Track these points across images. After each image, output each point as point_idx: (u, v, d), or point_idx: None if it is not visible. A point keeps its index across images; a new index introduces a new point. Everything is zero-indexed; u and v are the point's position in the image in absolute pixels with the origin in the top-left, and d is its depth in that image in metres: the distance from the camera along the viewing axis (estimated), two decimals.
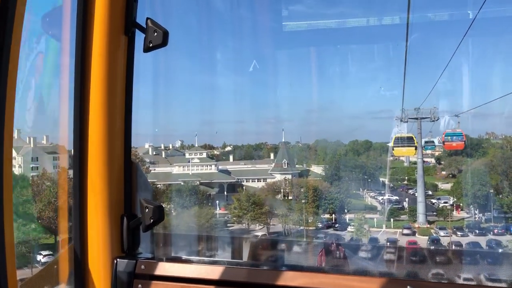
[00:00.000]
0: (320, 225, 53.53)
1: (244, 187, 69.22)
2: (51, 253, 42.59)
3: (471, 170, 58.36)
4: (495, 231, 48.87)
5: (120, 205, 2.49)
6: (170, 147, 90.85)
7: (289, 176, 72.00)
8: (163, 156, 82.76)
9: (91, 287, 2.40)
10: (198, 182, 64.53)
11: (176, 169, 68.54)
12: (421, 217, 51.75)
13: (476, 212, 55.87)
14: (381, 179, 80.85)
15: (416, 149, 49.87)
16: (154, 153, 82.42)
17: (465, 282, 2.35)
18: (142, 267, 2.44)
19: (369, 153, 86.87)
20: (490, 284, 2.67)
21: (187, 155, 73.10)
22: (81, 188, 2.39)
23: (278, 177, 71.87)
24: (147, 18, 2.45)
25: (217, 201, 60.08)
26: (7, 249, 1.67)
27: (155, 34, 2.38)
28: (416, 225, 52.35)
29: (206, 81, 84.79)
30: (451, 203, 61.33)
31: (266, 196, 64.76)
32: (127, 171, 2.52)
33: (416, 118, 51.82)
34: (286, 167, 73.09)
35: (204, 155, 72.91)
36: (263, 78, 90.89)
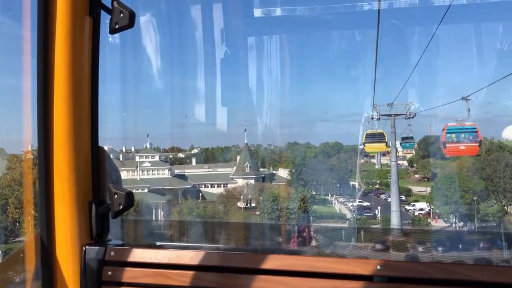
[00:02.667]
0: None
1: (200, 194, 59.07)
2: None
3: (450, 173, 49.40)
4: (481, 245, 39.93)
5: (88, 191, 2.30)
6: (132, 150, 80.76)
7: (252, 181, 62.31)
8: (120, 159, 72.07)
9: (59, 275, 2.24)
10: (146, 189, 54.05)
11: (123, 174, 57.96)
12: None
13: (455, 221, 47.10)
14: (351, 182, 72.27)
15: (387, 145, 40.24)
16: (111, 156, 72.01)
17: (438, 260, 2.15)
18: (112, 253, 2.28)
19: (340, 155, 78.43)
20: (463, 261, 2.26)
21: (136, 158, 62.49)
22: (47, 175, 2.19)
23: (240, 182, 62.12)
24: None
25: (161, 212, 49.64)
26: None
27: (121, 15, 2.20)
28: (390, 238, 43.19)
29: (176, 81, 75.02)
30: (427, 210, 52.48)
31: (220, 205, 55.09)
32: (94, 156, 2.31)
33: (390, 115, 42.45)
34: (248, 171, 63.29)
35: (157, 158, 62.33)
36: (235, 79, 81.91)
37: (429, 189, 61.47)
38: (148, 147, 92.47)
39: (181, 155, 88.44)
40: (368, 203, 59.62)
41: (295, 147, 76.05)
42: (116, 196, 2.22)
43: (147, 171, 59.03)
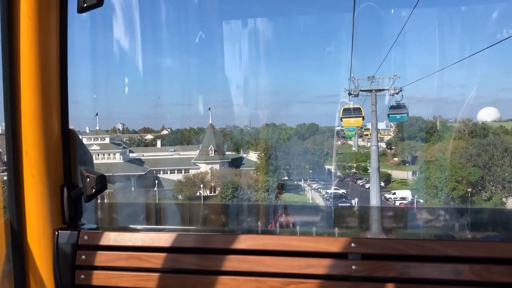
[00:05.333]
0: None
1: (156, 181, 49.81)
2: None
3: (437, 160, 40.93)
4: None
5: (59, 175, 2.18)
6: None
7: (217, 166, 53.26)
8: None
9: (31, 260, 2.13)
10: None
11: None
12: None
13: (442, 213, 39.09)
14: (326, 166, 63.98)
15: (363, 119, 32.47)
16: None
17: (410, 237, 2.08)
18: (85, 237, 2.19)
19: (315, 137, 69.99)
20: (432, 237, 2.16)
21: (84, 141, 52.54)
22: (15, 160, 2.08)
23: (203, 167, 53.01)
24: None
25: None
26: None
27: None
28: (365, 217, 34.64)
29: (151, 60, 66.57)
30: (410, 199, 44.29)
31: (180, 194, 46.24)
32: (65, 140, 2.19)
33: (370, 90, 33.67)
34: (213, 154, 54.14)
35: (107, 140, 52.55)
36: (211, 59, 74.21)
37: (410, 174, 53.68)
38: (119, 128, 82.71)
39: (149, 136, 78.86)
40: (344, 191, 51.15)
41: (269, 128, 67.40)
42: (88, 179, 2.10)
43: (95, 156, 49.35)
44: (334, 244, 1.95)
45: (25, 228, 2.09)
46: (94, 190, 2.09)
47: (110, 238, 2.16)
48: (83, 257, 2.14)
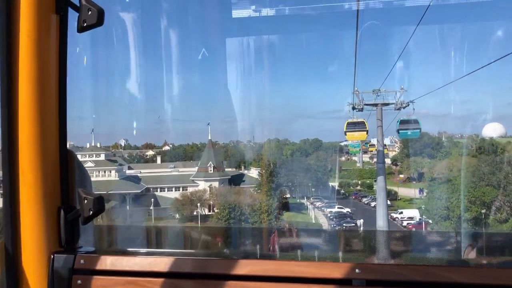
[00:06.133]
0: None
1: (152, 200, 47.33)
2: None
3: (450, 178, 38.10)
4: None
5: (56, 197, 2.10)
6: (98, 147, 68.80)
7: (216, 183, 50.83)
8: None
9: (25, 285, 2.07)
10: None
11: None
12: None
13: (450, 237, 36.20)
14: (330, 183, 61.37)
15: (367, 133, 30.28)
16: None
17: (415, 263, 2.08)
18: (82, 261, 2.12)
19: (319, 153, 67.52)
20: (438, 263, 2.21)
21: (79, 157, 50.26)
22: (11, 181, 2.02)
23: (202, 184, 50.61)
24: None
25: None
26: None
27: (89, 12, 2.03)
28: (371, 241, 31.90)
29: (154, 77, 65.50)
30: (418, 219, 41.49)
31: (177, 213, 43.75)
32: (62, 160, 2.11)
33: (376, 104, 31.30)
34: (212, 171, 51.77)
35: (102, 157, 50.34)
36: (214, 75, 72.54)
37: (417, 192, 51.00)
38: (122, 144, 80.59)
39: (151, 152, 76.77)
40: (348, 210, 48.41)
41: (272, 143, 65.01)
42: (85, 201, 2.03)
43: (90, 173, 47.13)
44: (337, 270, 1.88)
45: (20, 251, 2.03)
46: (91, 212, 1.99)
47: (107, 262, 2.08)
48: (79, 282, 2.07)
